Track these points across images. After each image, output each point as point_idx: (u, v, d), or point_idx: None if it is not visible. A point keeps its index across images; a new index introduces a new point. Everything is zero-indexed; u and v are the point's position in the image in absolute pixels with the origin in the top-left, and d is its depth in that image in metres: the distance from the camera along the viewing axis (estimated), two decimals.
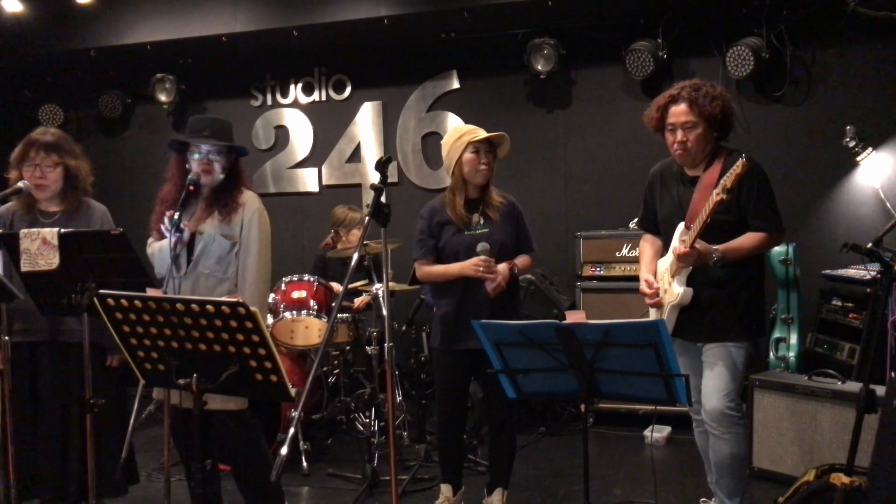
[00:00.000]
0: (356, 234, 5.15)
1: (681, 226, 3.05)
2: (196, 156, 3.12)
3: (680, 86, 3.06)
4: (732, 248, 2.93)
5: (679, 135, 3.01)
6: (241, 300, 2.15)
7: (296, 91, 6.46)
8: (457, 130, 3.49)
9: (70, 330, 3.28)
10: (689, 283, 3.03)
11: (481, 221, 3.43)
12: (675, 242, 3.04)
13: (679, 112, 3.01)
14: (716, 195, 2.77)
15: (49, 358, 3.34)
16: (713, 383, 3.00)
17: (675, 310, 3.06)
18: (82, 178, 3.45)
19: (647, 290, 3.14)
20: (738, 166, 2.74)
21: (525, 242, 3.53)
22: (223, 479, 3.39)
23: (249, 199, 3.19)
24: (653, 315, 3.20)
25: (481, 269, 3.29)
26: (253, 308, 2.12)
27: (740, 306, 3.02)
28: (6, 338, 3.20)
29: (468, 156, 3.40)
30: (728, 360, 2.99)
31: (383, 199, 2.69)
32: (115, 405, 3.37)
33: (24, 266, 3.00)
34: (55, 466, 3.31)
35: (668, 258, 3.11)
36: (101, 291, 2.28)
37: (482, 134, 3.40)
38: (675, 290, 3.04)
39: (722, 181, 2.77)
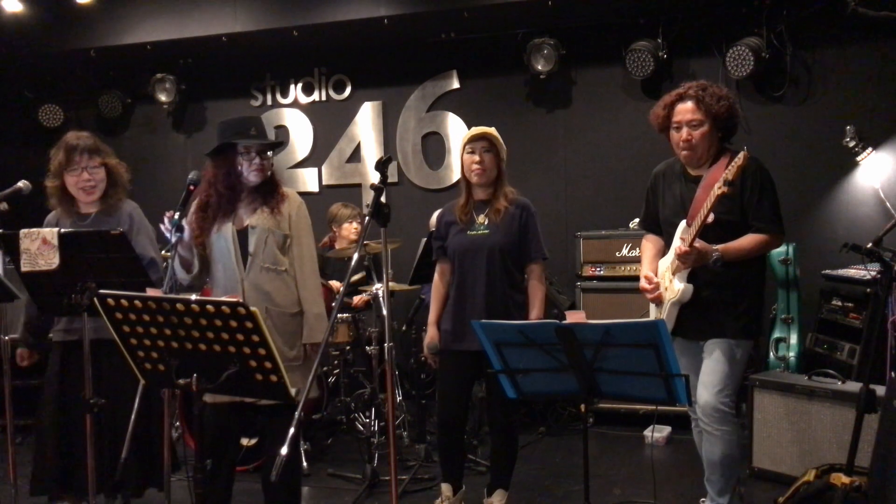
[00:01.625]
0: (347, 227, 5.20)
1: (682, 223, 3.05)
2: (246, 156, 3.11)
3: (687, 85, 3.09)
4: (732, 249, 2.94)
5: (685, 133, 3.03)
6: (240, 300, 2.15)
7: (296, 91, 6.46)
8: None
9: (103, 326, 3.29)
10: (690, 281, 3.03)
11: (485, 222, 3.43)
12: (677, 240, 3.05)
13: (686, 110, 3.03)
14: (717, 189, 2.79)
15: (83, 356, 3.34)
16: (708, 378, 3.00)
17: (675, 307, 3.07)
18: (123, 176, 3.48)
19: (647, 286, 3.15)
20: (739, 158, 2.76)
21: (532, 248, 3.45)
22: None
23: (291, 193, 3.26)
24: (653, 314, 3.20)
25: (429, 361, 3.64)
26: (253, 308, 2.12)
27: (742, 306, 3.02)
28: (6, 337, 3.20)
29: (465, 156, 3.42)
30: (726, 357, 2.99)
31: (383, 199, 2.69)
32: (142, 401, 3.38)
33: (24, 266, 3.00)
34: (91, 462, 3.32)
35: (670, 257, 3.11)
36: (101, 291, 2.28)
37: (472, 133, 3.43)
38: (675, 287, 3.04)
39: (724, 174, 2.79)
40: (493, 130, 3.44)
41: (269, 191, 3.17)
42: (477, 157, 3.38)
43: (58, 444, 3.33)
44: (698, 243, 2.89)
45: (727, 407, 2.99)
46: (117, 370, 3.21)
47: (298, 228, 3.19)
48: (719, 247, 2.92)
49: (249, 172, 3.12)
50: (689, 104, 3.02)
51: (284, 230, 3.16)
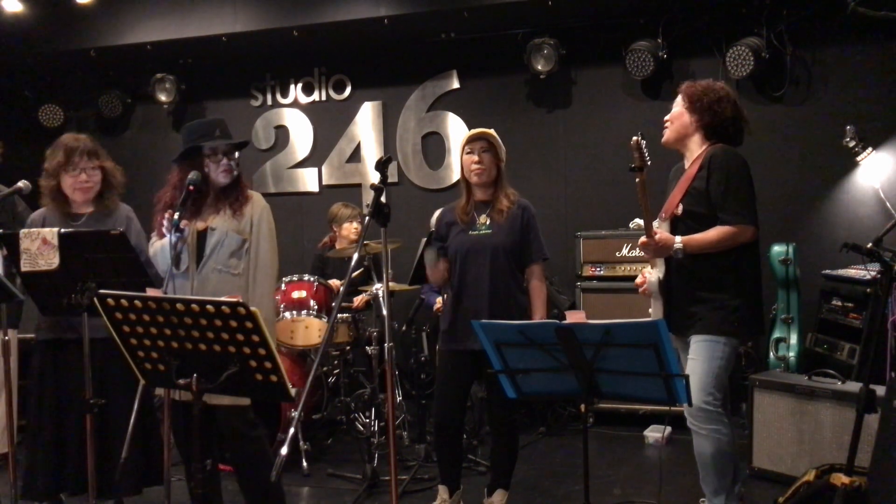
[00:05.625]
0: (347, 227, 5.21)
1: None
2: (213, 158, 3.12)
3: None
4: (694, 241, 2.96)
5: (666, 118, 3.20)
6: (241, 300, 2.15)
7: (296, 91, 6.46)
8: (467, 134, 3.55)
9: (96, 325, 3.29)
10: (671, 275, 3.05)
11: (486, 222, 3.43)
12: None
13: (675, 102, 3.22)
14: (637, 180, 2.87)
15: (75, 354, 3.34)
16: (690, 377, 2.99)
17: (655, 300, 3.10)
18: (118, 179, 3.51)
19: (637, 281, 3.20)
20: (633, 142, 2.87)
21: (533, 249, 3.47)
22: (222, 478, 3.39)
23: (256, 197, 3.25)
24: (653, 313, 3.20)
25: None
26: (253, 308, 2.12)
27: (719, 300, 2.99)
28: (6, 337, 3.20)
29: (464, 157, 3.44)
30: (706, 354, 2.98)
31: (383, 199, 2.69)
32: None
33: (24, 266, 3.00)
34: (81, 461, 3.31)
35: None
36: (101, 291, 2.28)
37: (470, 133, 3.44)
38: (650, 278, 3.09)
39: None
40: (490, 131, 3.46)
41: (235, 192, 3.17)
42: (476, 157, 3.40)
43: (48, 446, 3.33)
44: (658, 235, 2.93)
45: (711, 406, 2.96)
46: (104, 369, 3.26)
47: (258, 232, 3.18)
48: (682, 238, 2.95)
49: (217, 174, 3.14)
50: (678, 97, 3.21)
51: (244, 234, 3.15)
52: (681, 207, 3.00)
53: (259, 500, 3.19)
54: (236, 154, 3.20)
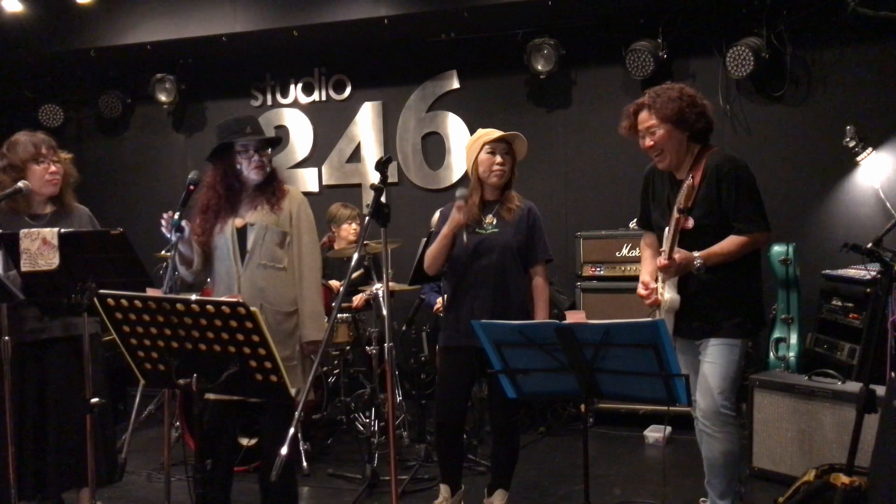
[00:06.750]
0: (346, 228, 5.20)
1: (668, 230, 3.06)
2: (245, 154, 3.13)
3: (646, 93, 3.11)
4: (714, 254, 2.93)
5: (647, 141, 3.07)
6: (240, 300, 2.15)
7: (296, 91, 6.46)
8: (477, 132, 3.53)
9: (81, 323, 3.29)
10: (681, 283, 3.03)
11: (493, 222, 3.43)
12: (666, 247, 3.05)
13: (643, 119, 3.08)
14: (676, 211, 2.82)
15: (62, 353, 3.34)
16: (706, 382, 3.00)
17: (669, 314, 3.07)
18: (73, 176, 3.49)
19: (643, 292, 3.15)
20: (686, 186, 2.80)
21: (538, 249, 3.48)
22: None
23: (293, 191, 3.27)
24: (658, 316, 3.19)
25: (459, 211, 3.33)
26: (253, 308, 2.12)
27: (734, 304, 3.01)
28: (6, 338, 3.20)
29: (483, 156, 3.41)
30: (722, 358, 2.98)
31: (383, 199, 2.69)
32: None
33: (24, 266, 3.00)
34: (67, 459, 3.32)
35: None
36: (101, 291, 2.28)
37: (497, 134, 3.42)
38: (665, 296, 3.05)
39: (678, 199, 2.82)
40: (510, 134, 3.45)
41: (271, 188, 3.18)
42: (500, 159, 3.40)
43: (21, 446, 3.33)
44: (677, 254, 2.89)
45: (728, 409, 2.99)
46: (63, 371, 3.27)
47: (299, 226, 3.20)
48: (701, 253, 2.91)
49: (249, 171, 3.14)
50: (644, 113, 3.07)
51: (284, 227, 3.16)
52: (691, 221, 2.96)
53: (279, 499, 3.17)
54: (269, 150, 3.22)
